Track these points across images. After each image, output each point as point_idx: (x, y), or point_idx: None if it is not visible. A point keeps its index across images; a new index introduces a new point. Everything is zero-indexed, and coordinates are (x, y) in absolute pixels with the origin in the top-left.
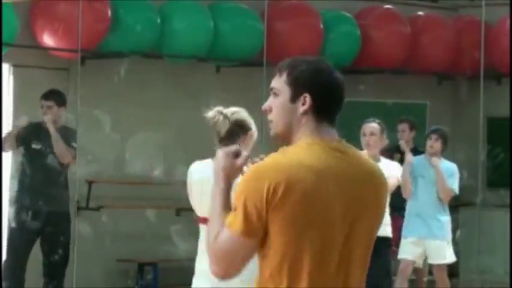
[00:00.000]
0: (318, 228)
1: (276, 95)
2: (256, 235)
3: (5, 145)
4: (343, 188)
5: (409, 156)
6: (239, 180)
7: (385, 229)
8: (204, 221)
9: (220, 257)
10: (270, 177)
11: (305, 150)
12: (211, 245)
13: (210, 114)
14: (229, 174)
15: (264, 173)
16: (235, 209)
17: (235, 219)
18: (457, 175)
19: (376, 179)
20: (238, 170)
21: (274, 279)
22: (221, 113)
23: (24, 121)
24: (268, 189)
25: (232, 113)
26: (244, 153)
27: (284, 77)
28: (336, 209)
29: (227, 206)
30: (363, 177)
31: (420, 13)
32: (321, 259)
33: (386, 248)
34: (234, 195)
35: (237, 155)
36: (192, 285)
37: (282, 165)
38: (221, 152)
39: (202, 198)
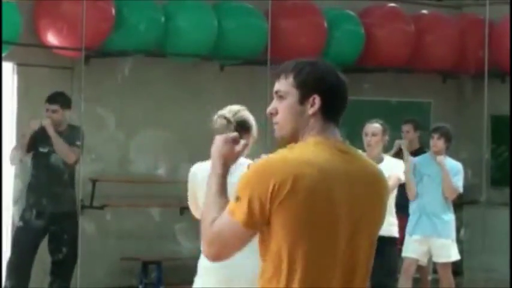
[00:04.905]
0: (321, 226)
1: (282, 97)
2: (256, 227)
3: (13, 156)
4: (347, 188)
5: (408, 159)
6: (244, 172)
7: (391, 229)
8: None
9: (217, 241)
10: (276, 172)
11: (312, 148)
12: (208, 228)
13: (214, 119)
14: (227, 160)
15: (271, 168)
16: (238, 199)
17: (239, 209)
18: (461, 174)
19: (378, 180)
20: (236, 156)
21: (275, 277)
22: (224, 117)
23: (36, 124)
24: (274, 185)
25: (234, 114)
26: (243, 141)
27: (290, 79)
28: (340, 209)
29: (223, 191)
30: (366, 178)
31: (424, 12)
32: (323, 259)
33: (391, 247)
34: (238, 185)
35: (235, 141)
36: (196, 285)
37: (289, 161)
38: (220, 138)
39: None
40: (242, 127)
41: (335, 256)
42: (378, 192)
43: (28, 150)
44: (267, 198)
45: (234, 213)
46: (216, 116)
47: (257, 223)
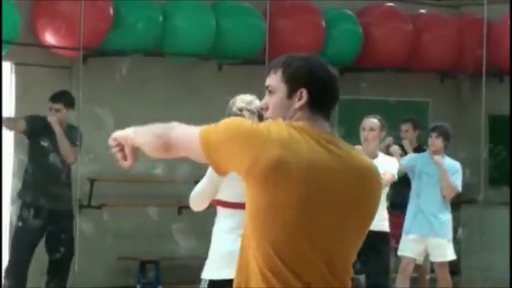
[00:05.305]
0: (297, 214)
1: (271, 92)
2: (208, 156)
3: (12, 124)
4: (331, 178)
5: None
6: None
7: (382, 224)
8: (232, 205)
9: (175, 142)
10: (259, 146)
11: (298, 136)
12: (176, 127)
13: (238, 113)
14: None
15: (256, 140)
16: (214, 128)
17: (210, 135)
18: (460, 173)
19: (370, 174)
20: None
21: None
22: (248, 110)
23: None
24: (253, 158)
25: (252, 104)
26: None
27: (279, 74)
28: (320, 198)
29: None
30: (355, 171)
31: (422, 11)
32: (299, 246)
33: (384, 243)
34: (222, 122)
35: None
36: (210, 273)
37: (275, 142)
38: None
39: (237, 182)
40: (260, 117)
41: (315, 243)
42: (369, 186)
43: (26, 131)
44: (233, 159)
45: (206, 134)
46: (235, 108)
47: (209, 156)
